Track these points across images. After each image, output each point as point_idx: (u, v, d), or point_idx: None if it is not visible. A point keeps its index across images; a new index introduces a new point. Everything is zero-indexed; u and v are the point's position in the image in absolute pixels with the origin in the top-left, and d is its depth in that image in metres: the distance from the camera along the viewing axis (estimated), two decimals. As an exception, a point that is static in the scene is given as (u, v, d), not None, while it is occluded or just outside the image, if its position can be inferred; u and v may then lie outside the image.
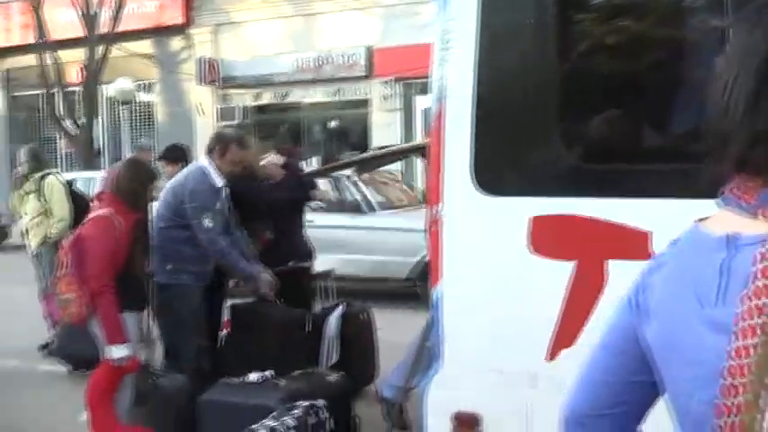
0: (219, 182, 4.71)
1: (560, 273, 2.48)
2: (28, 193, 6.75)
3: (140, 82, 18.61)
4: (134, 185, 4.11)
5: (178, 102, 18.64)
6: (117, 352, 3.85)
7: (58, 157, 20.06)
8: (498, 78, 2.65)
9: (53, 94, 17.63)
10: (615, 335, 1.13)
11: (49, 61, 17.24)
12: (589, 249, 2.49)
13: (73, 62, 17.90)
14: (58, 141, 19.72)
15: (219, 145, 4.73)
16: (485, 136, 2.63)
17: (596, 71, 2.70)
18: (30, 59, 18.08)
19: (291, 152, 5.76)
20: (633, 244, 2.32)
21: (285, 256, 5.33)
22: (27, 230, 6.84)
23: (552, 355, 2.51)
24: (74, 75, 18.15)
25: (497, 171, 2.67)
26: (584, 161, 2.60)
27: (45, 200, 6.64)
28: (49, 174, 6.85)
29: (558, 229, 2.53)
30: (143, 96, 19.22)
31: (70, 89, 17.78)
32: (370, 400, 5.17)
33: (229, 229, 4.83)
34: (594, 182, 2.51)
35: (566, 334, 2.46)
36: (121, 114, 18.50)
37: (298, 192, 5.64)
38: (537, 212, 2.54)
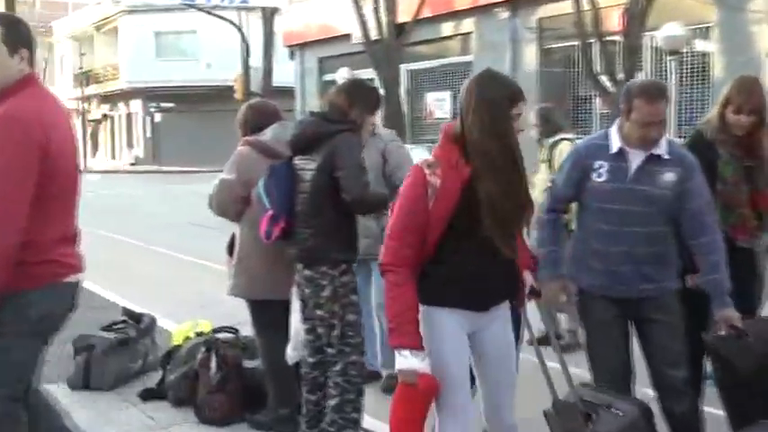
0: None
1: None
2: (540, 162, 6.93)
3: (694, 27, 18.38)
4: None
5: (741, 49, 18.00)
6: (400, 361, 3.41)
7: (593, 117, 20.94)
8: None
9: (590, 45, 18.34)
10: None
11: (586, 7, 17.94)
12: None
13: (613, 6, 18.38)
14: (593, 100, 20.58)
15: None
16: None
17: None
18: (564, 6, 19.04)
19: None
20: None
21: None
22: None
23: None
24: (614, 21, 18.65)
25: None
26: None
27: (555, 170, 6.45)
28: (563, 139, 6.87)
29: None
30: (697, 44, 18.97)
31: (610, 39, 18.30)
32: None
33: None
34: None
35: None
36: (669, 67, 18.48)
37: None
38: None
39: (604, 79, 18.20)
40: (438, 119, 25.01)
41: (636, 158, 4.19)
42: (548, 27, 22.16)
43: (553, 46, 22.31)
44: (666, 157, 4.18)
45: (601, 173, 4.19)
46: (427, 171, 3.46)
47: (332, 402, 4.71)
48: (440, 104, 25.36)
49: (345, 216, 4.63)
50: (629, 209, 4.15)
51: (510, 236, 3.55)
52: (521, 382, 3.96)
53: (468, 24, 24.60)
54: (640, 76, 18.75)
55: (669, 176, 4.17)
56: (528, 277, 3.89)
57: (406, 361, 3.37)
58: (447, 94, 25.43)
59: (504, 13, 23.21)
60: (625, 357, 4.36)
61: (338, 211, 4.54)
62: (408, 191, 3.50)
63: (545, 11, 21.90)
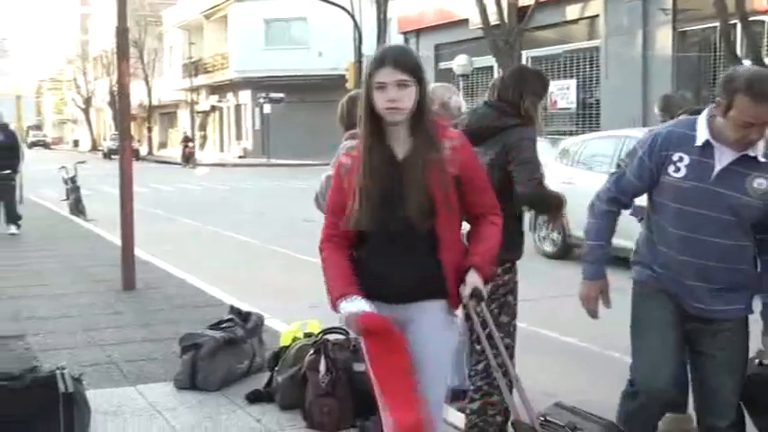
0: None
1: None
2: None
3: None
4: None
5: None
6: (341, 316, 3.42)
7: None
8: None
9: (732, 26, 17.86)
10: None
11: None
12: None
13: (758, -17, 17.89)
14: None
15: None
16: None
17: None
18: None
19: None
20: None
21: None
22: None
23: None
24: None
25: None
26: None
27: None
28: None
29: None
30: None
31: (754, 18, 17.79)
32: None
33: None
34: None
35: None
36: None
37: None
38: None
39: (748, 64, 17.68)
40: (561, 109, 24.76)
41: (724, 157, 3.74)
42: (684, 8, 21.67)
43: (689, 28, 21.80)
44: (763, 159, 3.74)
45: (679, 167, 3.78)
46: (343, 151, 3.54)
47: (473, 406, 4.78)
48: (564, 93, 25.09)
49: (513, 213, 4.59)
50: (705, 214, 3.76)
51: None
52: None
53: (595, 7, 24.25)
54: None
55: (760, 183, 3.73)
56: (471, 277, 3.42)
57: (344, 310, 3.36)
58: (572, 83, 25.15)
59: (635, -6, 22.81)
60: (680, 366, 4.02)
61: (508, 207, 4.24)
62: (335, 170, 3.59)
63: (684, -9, 21.45)
